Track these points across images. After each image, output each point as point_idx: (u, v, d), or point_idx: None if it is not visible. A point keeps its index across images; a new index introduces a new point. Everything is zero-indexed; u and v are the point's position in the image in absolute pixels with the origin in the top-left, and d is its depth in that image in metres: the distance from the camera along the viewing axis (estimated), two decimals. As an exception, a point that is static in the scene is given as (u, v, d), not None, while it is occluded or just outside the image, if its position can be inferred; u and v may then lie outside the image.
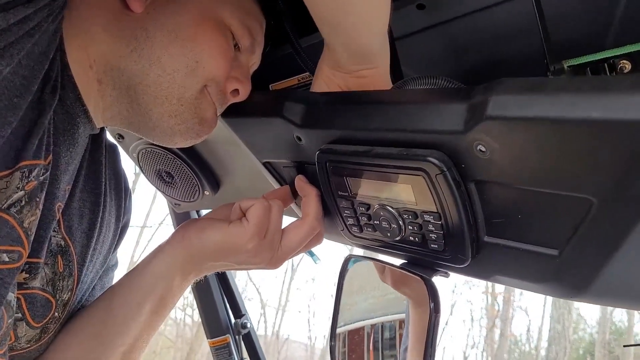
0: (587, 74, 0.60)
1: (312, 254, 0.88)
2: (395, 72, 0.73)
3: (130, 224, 0.93)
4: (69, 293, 0.72)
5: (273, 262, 0.79)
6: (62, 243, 0.70)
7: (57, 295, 0.70)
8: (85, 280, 0.78)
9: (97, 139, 0.78)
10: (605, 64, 0.60)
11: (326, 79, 0.74)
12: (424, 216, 0.63)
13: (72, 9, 0.64)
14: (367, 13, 0.62)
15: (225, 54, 0.75)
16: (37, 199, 0.61)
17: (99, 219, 0.78)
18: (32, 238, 0.62)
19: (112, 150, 0.87)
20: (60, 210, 0.68)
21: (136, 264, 0.83)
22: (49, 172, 0.62)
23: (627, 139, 0.40)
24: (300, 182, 0.81)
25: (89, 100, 0.69)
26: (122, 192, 0.88)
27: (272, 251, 0.78)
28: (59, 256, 0.69)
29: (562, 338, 9.53)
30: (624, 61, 0.60)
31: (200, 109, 0.75)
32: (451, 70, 0.78)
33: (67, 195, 0.70)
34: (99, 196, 0.78)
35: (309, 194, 0.79)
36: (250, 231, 0.75)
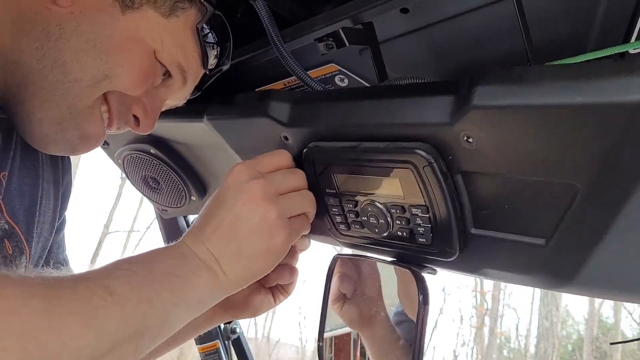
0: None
1: None
2: (380, 75, 0.73)
3: (70, 202, 0.92)
4: (23, 268, 0.72)
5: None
6: (7, 227, 0.69)
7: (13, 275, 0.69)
8: (36, 250, 0.77)
9: None
10: (587, 66, 0.61)
11: None
12: (412, 210, 0.63)
13: None
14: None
15: (146, 76, 0.71)
16: None
17: (40, 191, 0.77)
18: None
19: None
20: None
21: None
22: None
23: (609, 122, 0.41)
24: None
25: None
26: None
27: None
28: (5, 240, 0.68)
29: (551, 335, 9.62)
30: (605, 63, 0.61)
31: (88, 121, 0.70)
32: (435, 73, 0.79)
33: (4, 183, 0.69)
34: (38, 168, 0.77)
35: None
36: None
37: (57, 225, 0.87)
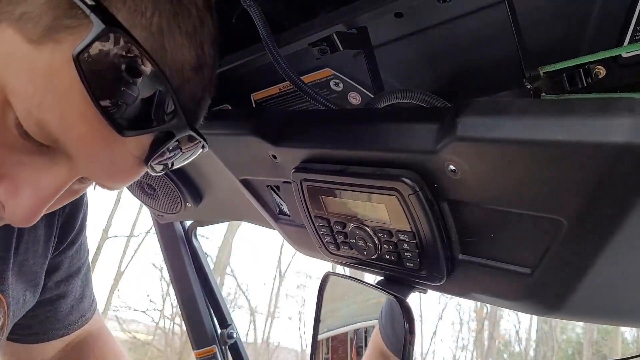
0: (563, 80, 0.61)
1: None
2: (375, 80, 0.73)
3: (81, 241, 0.89)
4: (2, 317, 0.70)
5: None
6: None
7: None
8: (18, 298, 0.74)
9: None
10: (581, 70, 0.60)
11: None
12: (399, 235, 0.63)
13: None
14: None
15: None
16: None
17: (15, 235, 0.73)
18: None
19: None
20: None
21: None
22: None
23: (592, 161, 0.40)
24: None
25: None
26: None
27: None
28: None
29: (550, 338, 9.60)
30: (599, 67, 0.60)
31: None
32: (430, 77, 0.78)
33: None
34: None
35: None
36: None
37: (71, 269, 0.86)
